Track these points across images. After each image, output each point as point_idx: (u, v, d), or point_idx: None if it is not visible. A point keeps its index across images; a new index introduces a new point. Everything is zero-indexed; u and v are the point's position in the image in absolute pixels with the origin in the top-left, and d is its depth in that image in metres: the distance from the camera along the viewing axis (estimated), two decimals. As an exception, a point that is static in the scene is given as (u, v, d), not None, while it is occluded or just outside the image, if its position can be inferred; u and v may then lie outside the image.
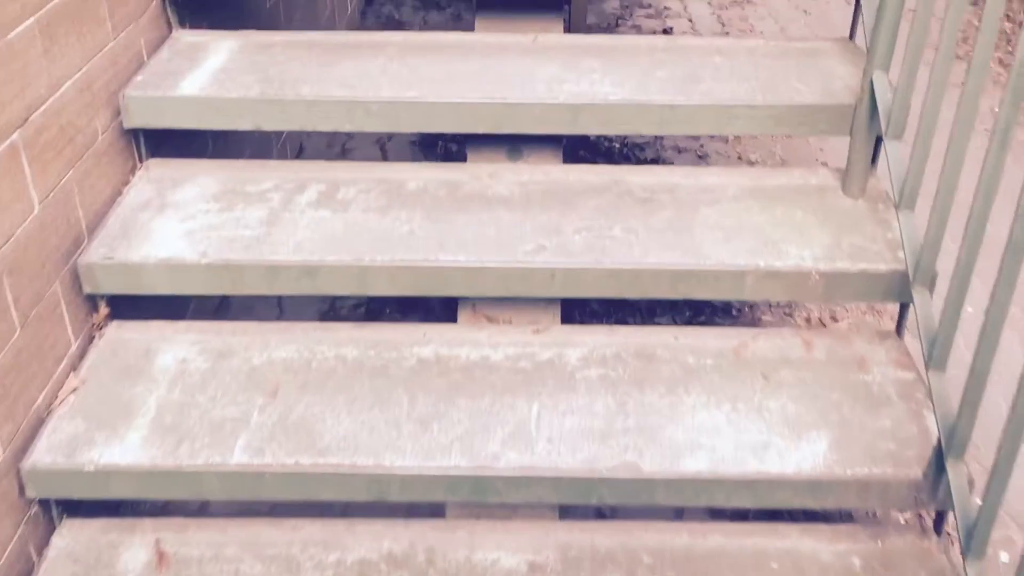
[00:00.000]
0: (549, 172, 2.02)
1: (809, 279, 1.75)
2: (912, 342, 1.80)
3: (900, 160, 1.73)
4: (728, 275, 1.75)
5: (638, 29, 4.57)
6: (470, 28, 2.32)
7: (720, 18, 4.70)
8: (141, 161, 2.02)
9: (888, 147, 1.74)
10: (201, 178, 1.98)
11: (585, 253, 1.78)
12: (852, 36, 2.22)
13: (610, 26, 4.57)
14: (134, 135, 1.98)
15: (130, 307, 1.86)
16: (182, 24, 2.22)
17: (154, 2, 2.10)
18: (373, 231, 1.83)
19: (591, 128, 1.94)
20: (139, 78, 1.97)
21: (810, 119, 1.93)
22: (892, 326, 2.50)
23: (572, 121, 1.93)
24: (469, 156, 2.10)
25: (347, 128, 1.93)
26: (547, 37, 2.20)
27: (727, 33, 4.56)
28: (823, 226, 1.86)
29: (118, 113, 1.91)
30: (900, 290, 1.75)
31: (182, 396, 1.68)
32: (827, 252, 1.79)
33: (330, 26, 3.69)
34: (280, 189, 1.95)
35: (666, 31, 4.53)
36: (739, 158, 3.33)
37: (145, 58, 2.05)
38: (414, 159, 3.26)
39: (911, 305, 1.68)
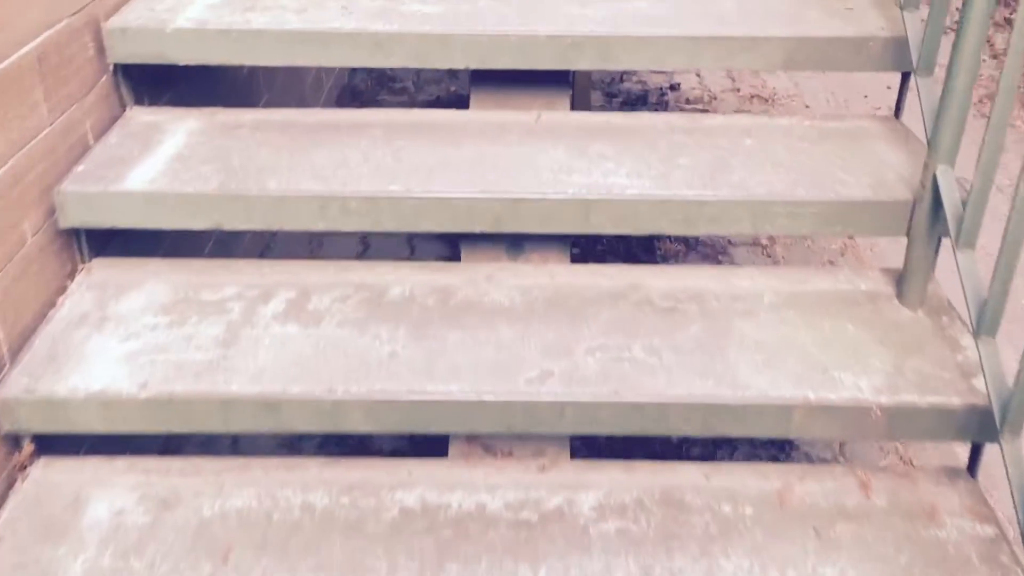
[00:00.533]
0: (555, 274, 1.75)
1: (869, 415, 1.47)
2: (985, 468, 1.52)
3: (974, 274, 1.45)
4: (772, 411, 1.47)
5: (644, 84, 4.33)
6: (466, 84, 2.06)
7: (730, 72, 4.47)
8: (84, 261, 1.74)
9: (960, 258, 1.47)
10: (151, 283, 1.70)
11: (600, 382, 1.50)
12: (898, 114, 1.96)
13: (614, 80, 4.34)
14: (75, 233, 1.70)
15: (63, 440, 1.57)
16: (139, 101, 1.95)
17: (104, 78, 1.84)
18: (348, 353, 1.54)
19: (605, 227, 1.67)
20: (80, 168, 1.70)
21: (860, 218, 1.66)
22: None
23: (583, 219, 1.66)
24: (464, 253, 1.82)
25: (320, 227, 1.66)
26: (552, 115, 1.94)
27: (737, 89, 4.32)
28: (880, 345, 1.58)
29: (54, 211, 1.64)
30: (979, 429, 1.47)
31: (113, 561, 1.38)
32: (888, 380, 1.51)
33: (317, 86, 3.44)
34: (242, 297, 1.67)
35: (673, 87, 4.30)
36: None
37: (91, 142, 1.79)
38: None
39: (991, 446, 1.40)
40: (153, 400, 1.45)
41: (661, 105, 4.30)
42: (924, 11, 1.71)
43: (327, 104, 3.93)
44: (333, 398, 1.46)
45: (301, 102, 3.47)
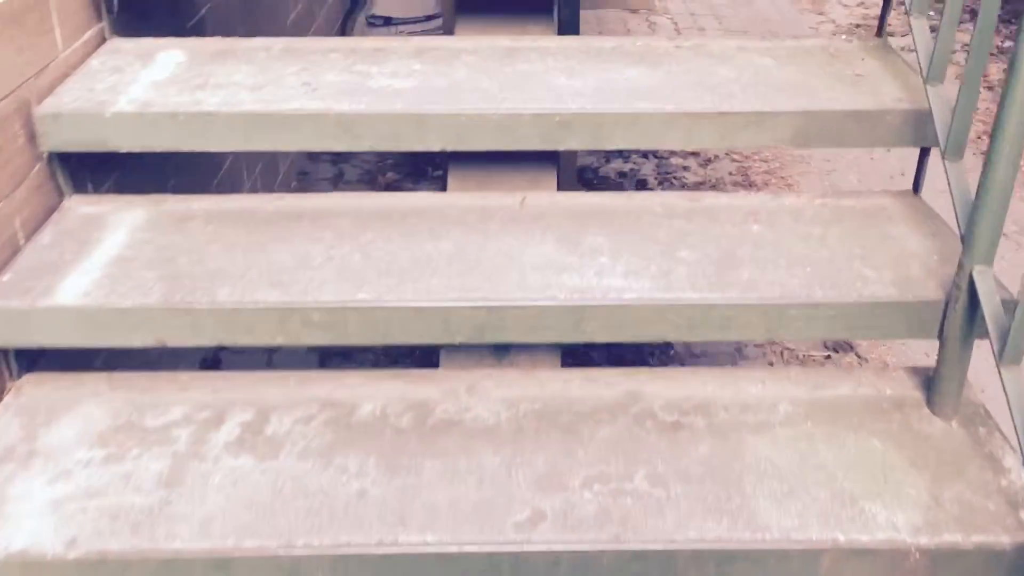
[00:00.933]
0: (545, 383, 1.56)
1: (908, 559, 1.28)
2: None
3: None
4: (796, 557, 1.28)
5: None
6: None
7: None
8: (13, 379, 1.54)
9: (1005, 376, 1.29)
10: (88, 405, 1.50)
11: (599, 524, 1.31)
12: (917, 188, 1.79)
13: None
14: (0, 352, 1.51)
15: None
16: (80, 187, 1.76)
17: (37, 167, 1.65)
18: (310, 493, 1.35)
19: (599, 336, 1.49)
20: (6, 278, 1.50)
21: (886, 321, 1.48)
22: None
23: (575, 328, 1.48)
24: (443, 354, 1.64)
25: (279, 342, 1.47)
26: (538, 197, 1.76)
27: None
28: (913, 468, 1.40)
29: (-26, 328, 1.45)
30: (1032, 572, 1.29)
31: None
32: (926, 514, 1.32)
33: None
34: (190, 421, 1.47)
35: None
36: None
37: (22, 242, 1.59)
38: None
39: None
40: (83, 561, 1.25)
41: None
42: (950, 88, 1.54)
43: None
44: (292, 554, 1.26)
45: (273, 154, 3.28)
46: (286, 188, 3.54)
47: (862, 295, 1.49)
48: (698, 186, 3.92)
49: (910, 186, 1.79)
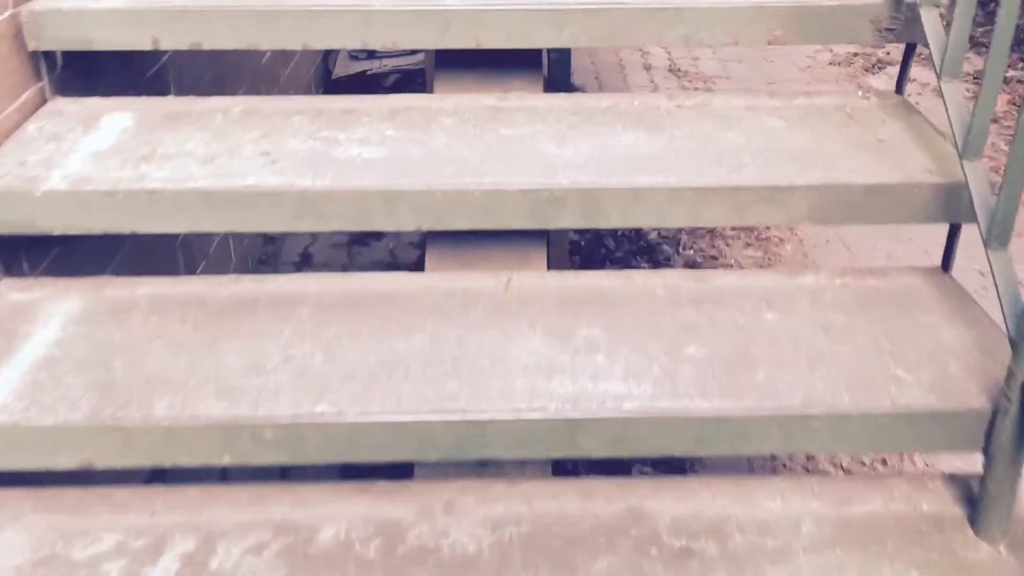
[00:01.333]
0: (534, 499, 1.37)
1: None
2: None
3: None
4: None
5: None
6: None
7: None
8: (-76, 497, 1.35)
9: (1070, 511, 1.11)
10: (6, 532, 1.30)
11: None
12: (947, 267, 1.61)
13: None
14: (-94, 469, 1.31)
15: None
16: (12, 268, 1.57)
17: (-41, 251, 1.46)
18: (259, 650, 1.16)
19: (595, 452, 1.30)
20: (-87, 386, 1.31)
21: (923, 433, 1.30)
22: None
23: (567, 442, 1.29)
24: (417, 469, 1.45)
25: (225, 462, 1.27)
26: (526, 278, 1.57)
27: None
28: (959, 609, 1.21)
29: None
30: None
31: None
32: (979, 672, 1.14)
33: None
34: (123, 552, 1.27)
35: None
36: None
37: (-62, 338, 1.40)
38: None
39: None
40: None
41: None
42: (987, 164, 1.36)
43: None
44: None
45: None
46: (257, 240, 3.34)
47: (897, 403, 1.30)
48: (694, 229, 3.75)
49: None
